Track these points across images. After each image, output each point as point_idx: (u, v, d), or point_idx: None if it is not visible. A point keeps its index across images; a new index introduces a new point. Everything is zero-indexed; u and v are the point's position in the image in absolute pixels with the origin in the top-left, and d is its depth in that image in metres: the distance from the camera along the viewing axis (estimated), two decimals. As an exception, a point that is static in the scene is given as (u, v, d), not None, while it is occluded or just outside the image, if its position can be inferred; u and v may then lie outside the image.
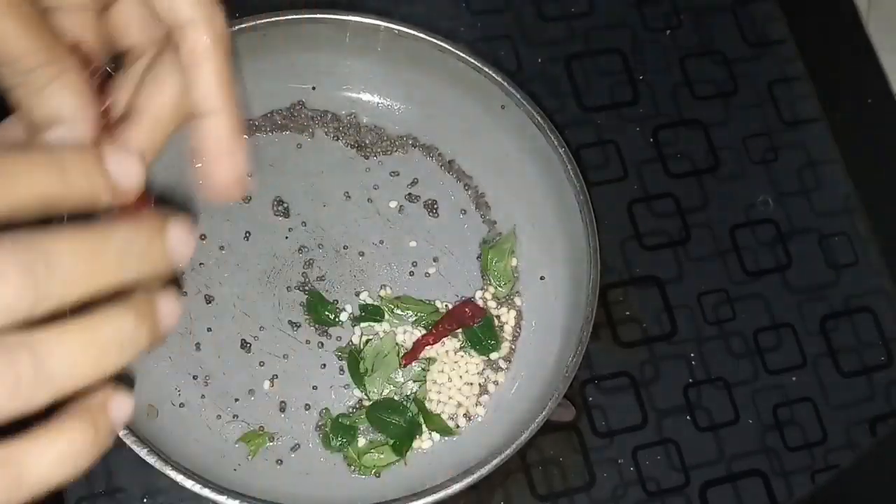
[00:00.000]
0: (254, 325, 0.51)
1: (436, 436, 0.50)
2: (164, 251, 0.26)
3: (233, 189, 0.30)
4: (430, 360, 0.51)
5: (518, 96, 0.51)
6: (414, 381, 0.50)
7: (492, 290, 0.53)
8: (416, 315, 0.51)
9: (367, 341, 0.51)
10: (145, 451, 0.43)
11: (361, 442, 0.49)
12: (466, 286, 0.53)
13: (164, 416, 0.48)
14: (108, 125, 0.30)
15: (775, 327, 0.57)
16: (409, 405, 0.50)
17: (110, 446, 0.25)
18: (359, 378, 0.50)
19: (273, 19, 0.50)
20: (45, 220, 0.24)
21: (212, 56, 0.29)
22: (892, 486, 0.53)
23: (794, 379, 0.56)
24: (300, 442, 0.49)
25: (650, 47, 0.62)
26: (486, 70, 0.51)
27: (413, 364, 0.50)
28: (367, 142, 0.55)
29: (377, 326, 0.51)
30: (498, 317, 0.52)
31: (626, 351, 0.55)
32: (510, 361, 0.52)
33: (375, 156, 0.55)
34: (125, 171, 0.26)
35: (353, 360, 0.50)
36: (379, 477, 0.49)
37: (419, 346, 0.50)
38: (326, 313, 0.51)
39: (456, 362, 0.51)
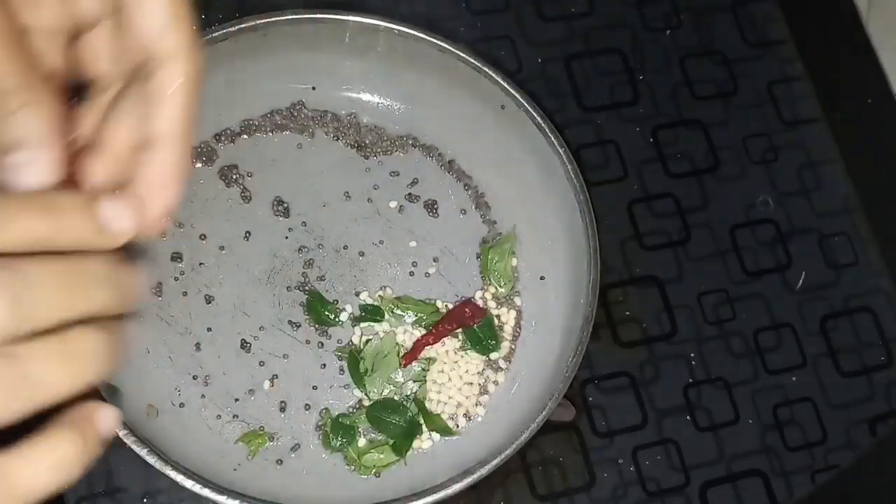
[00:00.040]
0: (254, 325, 0.51)
1: (436, 436, 0.50)
2: (129, 285, 0.27)
3: (155, 224, 0.30)
4: (430, 360, 0.51)
5: (518, 96, 0.51)
6: (414, 381, 0.50)
7: (492, 290, 0.53)
8: (416, 315, 0.51)
9: (367, 341, 0.51)
10: (145, 450, 0.43)
11: (361, 442, 0.49)
12: (466, 286, 0.53)
13: (164, 416, 0.48)
14: (74, 155, 0.30)
15: (775, 327, 0.57)
16: (409, 405, 0.50)
17: (98, 456, 0.26)
18: (359, 378, 0.50)
19: (273, 19, 0.50)
20: None
21: (182, 92, 0.29)
22: (892, 486, 0.53)
23: (794, 379, 0.56)
24: (300, 442, 0.49)
25: (650, 47, 0.62)
26: (486, 70, 0.51)
27: (413, 364, 0.50)
28: (368, 142, 0.55)
29: (377, 326, 0.51)
30: (498, 317, 0.52)
31: (626, 351, 0.55)
32: (510, 361, 0.52)
33: (375, 156, 0.55)
34: (118, 219, 0.27)
35: (353, 360, 0.50)
36: (379, 477, 0.49)
37: (419, 346, 0.50)
38: (326, 313, 0.51)
39: (456, 362, 0.51)
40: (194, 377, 0.49)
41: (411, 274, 0.53)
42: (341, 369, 0.50)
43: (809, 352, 0.57)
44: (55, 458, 0.25)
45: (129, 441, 0.43)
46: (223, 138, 0.54)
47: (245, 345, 0.50)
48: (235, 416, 0.49)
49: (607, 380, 0.54)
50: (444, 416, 0.50)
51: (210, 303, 0.51)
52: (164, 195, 0.30)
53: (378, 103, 0.55)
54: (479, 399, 0.51)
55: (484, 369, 0.51)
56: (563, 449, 0.53)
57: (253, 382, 0.50)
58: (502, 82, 0.51)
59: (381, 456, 0.49)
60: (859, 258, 0.59)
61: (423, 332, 0.51)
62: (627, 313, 0.56)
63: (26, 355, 0.24)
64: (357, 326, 0.51)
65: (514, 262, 0.53)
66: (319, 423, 0.49)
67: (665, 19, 0.63)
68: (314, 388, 0.50)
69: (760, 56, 0.63)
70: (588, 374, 0.54)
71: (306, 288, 0.52)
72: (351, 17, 0.51)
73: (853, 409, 0.56)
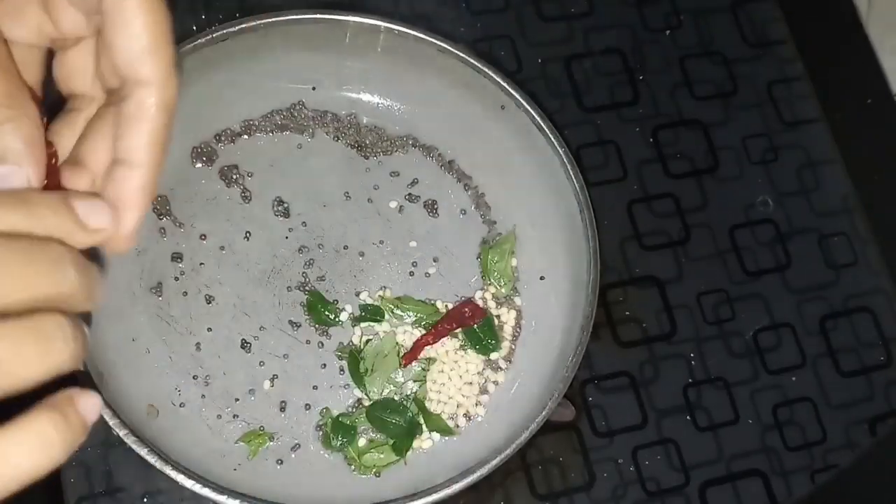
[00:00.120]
0: (254, 325, 0.51)
1: (436, 435, 0.50)
2: (93, 278, 0.27)
3: (119, 242, 0.30)
4: (430, 360, 0.51)
5: (518, 96, 0.51)
6: (414, 381, 0.51)
7: (492, 290, 0.53)
8: (416, 315, 0.51)
9: (368, 341, 0.51)
10: (145, 450, 0.43)
11: (361, 441, 0.49)
12: (466, 286, 0.53)
13: (164, 415, 0.48)
14: (54, 170, 0.30)
15: (775, 327, 0.57)
16: (409, 405, 0.50)
17: (83, 442, 0.26)
18: (359, 378, 0.50)
19: (273, 20, 0.50)
20: None
21: (154, 117, 0.30)
22: (891, 486, 0.53)
23: (793, 379, 0.56)
24: (300, 442, 0.49)
25: (650, 47, 0.62)
26: (486, 70, 0.51)
27: (413, 364, 0.51)
28: (368, 142, 0.55)
29: (377, 326, 0.51)
30: (498, 317, 0.52)
31: (625, 351, 0.55)
32: (510, 361, 0.52)
33: (375, 156, 0.55)
34: (94, 215, 0.28)
35: (354, 360, 0.50)
36: (379, 476, 0.49)
37: (419, 346, 0.50)
38: (326, 313, 0.51)
39: (456, 362, 0.51)
40: (194, 377, 0.49)
41: (411, 274, 0.53)
42: (341, 369, 0.51)
43: (809, 352, 0.57)
44: (36, 439, 0.25)
45: (130, 441, 0.43)
46: (223, 138, 0.54)
47: (245, 345, 0.50)
48: (236, 415, 0.49)
49: (607, 380, 0.54)
50: (444, 416, 0.50)
51: (210, 303, 0.51)
52: (131, 216, 0.30)
53: (378, 103, 0.55)
54: (479, 399, 0.51)
55: (484, 369, 0.51)
56: (563, 449, 0.53)
57: (253, 382, 0.50)
58: (502, 82, 0.51)
59: (382, 456, 0.49)
60: (859, 258, 0.59)
61: (423, 332, 0.51)
62: (627, 313, 0.56)
63: None
64: (357, 326, 0.51)
65: (514, 262, 0.53)
66: (319, 423, 0.49)
67: (665, 19, 0.63)
68: (314, 387, 0.50)
69: (760, 56, 0.63)
70: (588, 373, 0.54)
71: (306, 288, 0.52)
72: (351, 18, 0.51)
73: (853, 409, 0.56)
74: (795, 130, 0.62)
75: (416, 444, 0.49)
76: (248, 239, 0.52)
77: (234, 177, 0.53)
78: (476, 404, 0.51)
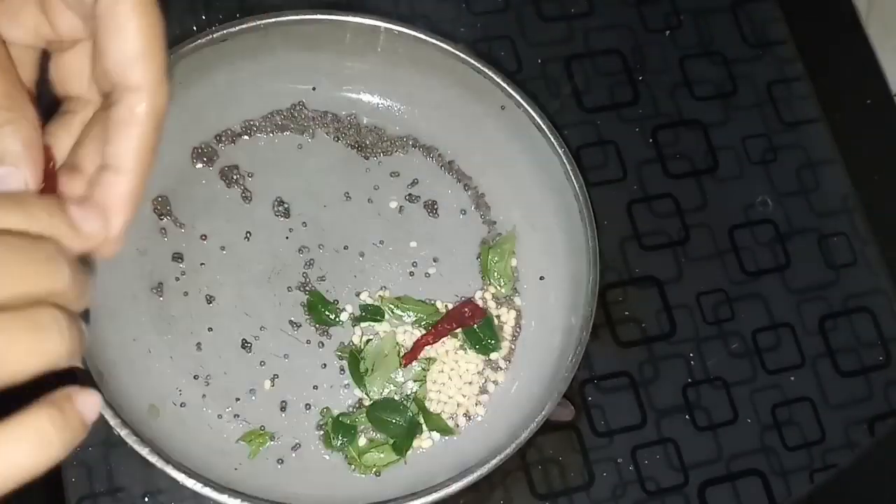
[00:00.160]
0: (255, 325, 0.51)
1: (436, 435, 0.50)
2: (84, 278, 0.27)
3: (106, 246, 0.30)
4: (430, 360, 0.51)
5: (518, 97, 0.51)
6: (414, 381, 0.51)
7: (492, 290, 0.53)
8: (416, 315, 0.52)
9: (368, 341, 0.51)
10: (146, 450, 0.43)
11: (362, 441, 0.49)
12: (466, 286, 0.53)
13: (165, 415, 0.48)
14: (51, 174, 0.30)
15: (774, 327, 0.57)
16: (409, 405, 0.50)
17: (82, 440, 0.26)
18: (359, 378, 0.50)
19: (274, 20, 0.51)
20: None
21: (142, 123, 0.30)
22: (890, 486, 0.53)
23: (792, 379, 0.56)
24: (301, 441, 0.49)
25: (650, 48, 0.62)
26: (486, 71, 0.51)
27: (413, 364, 0.51)
28: (368, 142, 0.55)
29: (377, 326, 0.51)
30: (498, 317, 0.52)
31: (625, 351, 0.55)
32: (510, 361, 0.52)
33: (375, 156, 0.55)
34: (87, 220, 0.28)
35: (354, 360, 0.50)
36: (379, 476, 0.49)
37: (419, 345, 0.50)
38: (327, 313, 0.51)
39: (456, 362, 0.51)
40: (195, 377, 0.49)
41: (411, 274, 0.53)
42: (342, 369, 0.51)
43: (808, 352, 0.57)
44: (34, 435, 0.25)
45: (131, 440, 0.43)
46: (224, 139, 0.54)
47: (246, 345, 0.50)
48: (236, 415, 0.49)
49: (606, 379, 0.54)
50: (444, 416, 0.50)
51: (211, 303, 0.51)
52: (115, 221, 0.30)
53: (378, 104, 0.55)
54: (478, 399, 0.51)
55: (484, 369, 0.51)
56: (563, 448, 0.53)
57: (254, 382, 0.50)
58: (502, 83, 0.52)
59: (382, 455, 0.49)
60: (858, 258, 0.59)
61: (423, 332, 0.51)
62: (627, 313, 0.56)
63: None
64: (357, 326, 0.51)
65: (514, 262, 0.53)
66: (320, 423, 0.50)
67: (665, 20, 0.63)
68: (315, 387, 0.50)
69: (760, 56, 0.63)
70: (587, 373, 0.54)
71: (307, 288, 0.52)
72: (351, 18, 0.51)
73: (852, 409, 0.56)
74: (795, 130, 0.62)
75: (416, 443, 0.49)
76: (248, 239, 0.52)
77: (235, 177, 0.53)
78: (476, 404, 0.51)
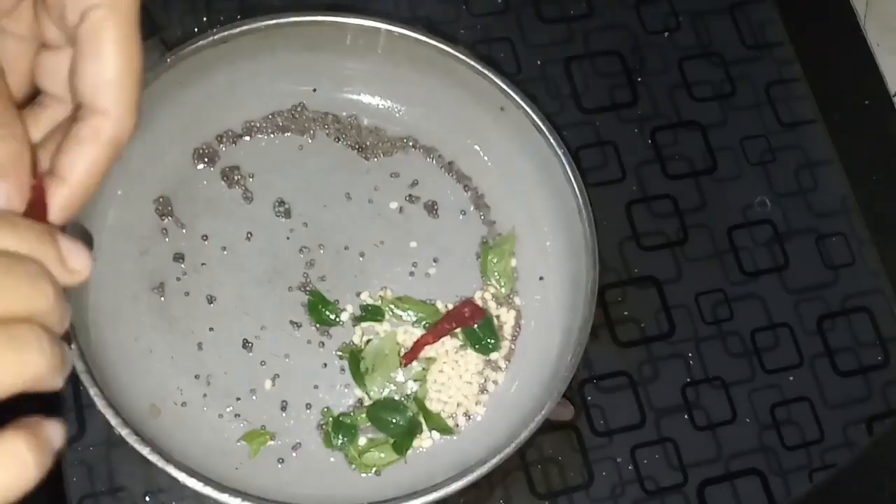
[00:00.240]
0: (255, 325, 0.51)
1: (436, 435, 0.50)
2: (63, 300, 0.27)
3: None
4: (431, 360, 0.51)
5: (517, 98, 0.52)
6: (414, 381, 0.51)
7: (492, 290, 0.53)
8: (416, 315, 0.52)
9: (368, 341, 0.51)
10: (147, 449, 0.43)
11: (362, 441, 0.49)
12: (466, 286, 0.53)
13: (166, 415, 0.48)
14: (40, 192, 0.30)
15: (773, 327, 0.57)
16: (409, 404, 0.50)
17: (48, 468, 0.25)
18: (359, 377, 0.50)
19: (274, 21, 0.51)
20: None
21: (100, 146, 0.30)
22: (889, 485, 0.53)
23: (791, 378, 0.56)
24: (301, 441, 0.49)
25: (649, 49, 0.62)
26: (486, 72, 0.52)
27: (413, 364, 0.51)
28: (368, 143, 0.55)
29: (378, 326, 0.52)
30: (497, 317, 0.53)
31: (624, 350, 0.55)
32: (509, 361, 0.52)
33: (376, 157, 0.55)
34: (74, 254, 0.28)
35: (354, 360, 0.50)
36: (379, 475, 0.49)
37: (419, 345, 0.51)
38: (327, 313, 0.51)
39: (456, 362, 0.51)
40: (196, 376, 0.49)
41: (411, 274, 0.53)
42: (342, 369, 0.51)
43: (807, 351, 0.57)
44: (13, 458, 0.24)
45: (132, 440, 0.43)
46: (225, 140, 0.54)
47: (247, 344, 0.51)
48: (237, 415, 0.49)
49: (606, 379, 0.55)
50: (444, 416, 0.50)
51: (212, 303, 0.51)
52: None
53: (378, 105, 0.55)
54: (478, 398, 0.51)
55: (483, 369, 0.52)
56: (562, 448, 0.53)
57: (254, 382, 0.50)
58: (502, 84, 0.52)
59: (382, 455, 0.49)
60: (856, 258, 0.60)
61: (424, 332, 0.51)
62: (626, 313, 0.56)
63: None
64: (358, 326, 0.51)
65: (514, 262, 0.54)
66: (320, 423, 0.50)
67: (664, 21, 0.63)
68: (315, 387, 0.50)
69: (758, 58, 0.63)
70: (587, 373, 0.54)
71: (307, 288, 0.52)
72: (351, 20, 0.52)
73: (850, 409, 0.56)
74: (793, 131, 0.62)
75: (416, 443, 0.50)
76: (249, 239, 0.52)
77: (236, 178, 0.53)
78: (476, 404, 0.51)
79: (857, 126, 0.62)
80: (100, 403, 0.43)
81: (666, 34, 0.63)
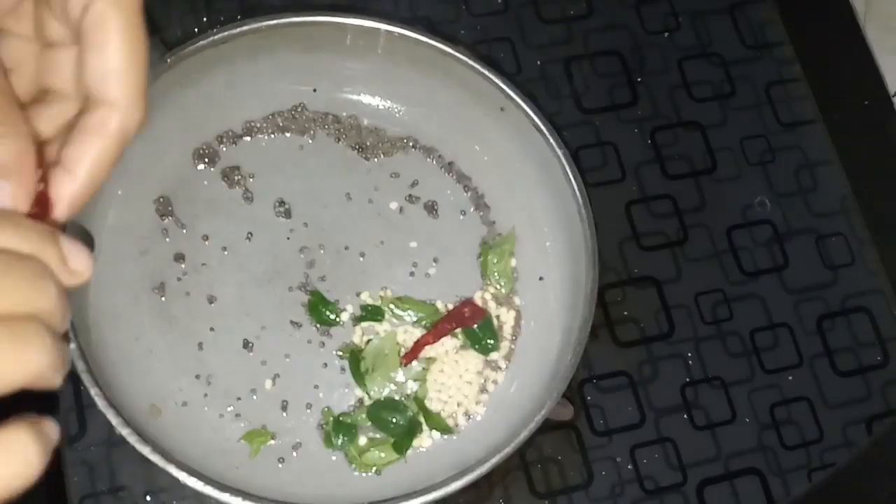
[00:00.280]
0: (256, 325, 0.51)
1: (436, 434, 0.50)
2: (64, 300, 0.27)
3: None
4: (431, 360, 0.51)
5: (517, 98, 0.52)
6: (414, 381, 0.51)
7: (491, 290, 0.53)
8: (416, 315, 0.52)
9: (368, 341, 0.51)
10: (148, 449, 0.43)
11: (362, 440, 0.50)
12: (466, 286, 0.53)
13: (166, 415, 0.48)
14: (44, 191, 0.31)
15: (772, 327, 0.57)
16: (409, 404, 0.50)
17: (48, 466, 0.26)
18: (360, 377, 0.50)
19: (275, 22, 0.51)
20: None
21: (108, 137, 0.29)
22: (888, 485, 0.53)
23: (790, 378, 0.56)
24: (302, 440, 0.49)
25: (649, 49, 0.62)
26: (486, 72, 0.52)
27: (413, 363, 0.51)
28: (368, 143, 0.55)
29: (378, 326, 0.52)
30: (497, 317, 0.53)
31: (624, 350, 0.55)
32: (509, 361, 0.52)
33: (376, 157, 0.55)
34: (76, 255, 0.28)
35: (354, 360, 0.51)
36: (380, 475, 0.49)
37: (419, 345, 0.51)
38: (328, 313, 0.51)
39: (456, 362, 0.51)
40: (197, 376, 0.50)
41: (412, 274, 0.53)
42: (342, 369, 0.51)
43: (806, 351, 0.57)
44: (21, 447, 0.25)
45: (132, 439, 0.43)
46: (225, 140, 0.54)
47: (247, 344, 0.51)
48: (238, 415, 0.49)
49: (605, 379, 0.55)
50: (444, 415, 0.51)
51: (212, 303, 0.51)
52: (56, 216, 0.29)
53: (379, 105, 0.56)
54: (478, 398, 0.51)
55: (483, 369, 0.52)
56: (562, 447, 0.53)
57: (255, 382, 0.50)
58: (502, 84, 0.52)
59: (382, 454, 0.49)
60: (856, 259, 0.60)
61: (424, 332, 0.51)
62: (625, 313, 0.56)
63: None
64: (358, 326, 0.52)
65: (514, 262, 0.54)
66: (321, 422, 0.50)
67: (663, 21, 0.63)
68: (315, 387, 0.50)
69: (758, 58, 0.63)
70: (586, 373, 0.55)
71: (308, 288, 0.52)
72: (351, 20, 0.52)
73: (849, 409, 0.56)
74: (793, 131, 0.62)
75: (416, 442, 0.50)
76: (249, 239, 0.53)
77: (236, 178, 0.53)
78: (476, 404, 0.51)
79: (857, 126, 0.62)
80: (100, 403, 0.43)
81: (666, 34, 0.63)
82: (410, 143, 0.55)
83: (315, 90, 0.55)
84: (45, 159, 0.31)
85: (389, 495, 0.45)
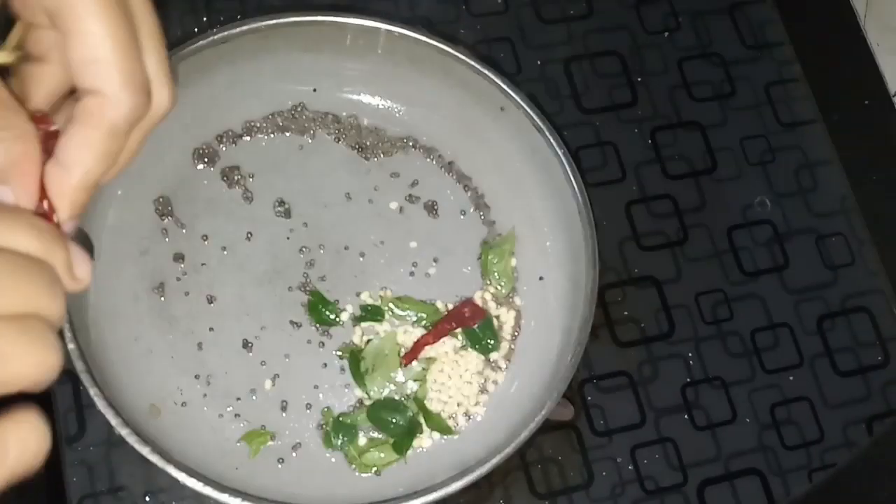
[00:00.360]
0: (255, 325, 0.51)
1: (436, 435, 0.50)
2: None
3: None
4: (431, 360, 0.51)
5: (517, 98, 0.52)
6: (414, 381, 0.51)
7: (491, 290, 0.53)
8: (416, 315, 0.52)
9: (368, 341, 0.51)
10: (147, 449, 0.43)
11: (362, 441, 0.49)
12: (466, 286, 0.53)
13: (166, 415, 0.48)
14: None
15: (772, 327, 0.57)
16: (409, 404, 0.50)
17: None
18: (359, 377, 0.50)
19: (275, 21, 0.51)
20: None
21: (94, 127, 0.29)
22: (888, 485, 0.53)
23: (791, 378, 0.56)
24: (301, 441, 0.49)
25: (648, 49, 0.62)
26: (486, 72, 0.52)
27: (413, 363, 0.51)
28: (368, 143, 0.55)
29: (378, 326, 0.52)
30: (497, 317, 0.53)
31: (624, 350, 0.55)
32: (509, 361, 0.52)
33: (376, 157, 0.55)
34: (80, 262, 0.28)
35: (354, 360, 0.51)
36: (379, 475, 0.49)
37: (419, 345, 0.51)
38: (327, 313, 0.51)
39: (456, 362, 0.51)
40: (196, 377, 0.49)
41: (412, 274, 0.53)
42: (342, 369, 0.51)
43: (806, 351, 0.57)
44: (35, 424, 0.25)
45: (132, 440, 0.43)
46: (225, 140, 0.54)
47: (247, 344, 0.51)
48: (237, 415, 0.49)
49: (606, 379, 0.55)
50: (444, 416, 0.50)
51: (212, 303, 0.51)
52: (66, 209, 0.29)
53: (379, 105, 0.56)
54: (478, 398, 0.51)
55: (483, 369, 0.52)
56: (562, 448, 0.53)
57: (254, 382, 0.50)
58: (502, 84, 0.52)
59: (382, 455, 0.49)
60: (856, 259, 0.60)
61: (424, 332, 0.51)
62: (626, 313, 0.56)
63: None
64: (358, 326, 0.51)
65: (514, 262, 0.54)
66: (320, 423, 0.50)
67: (663, 21, 0.63)
68: (315, 387, 0.50)
69: (758, 58, 0.63)
70: (587, 373, 0.55)
71: (307, 288, 0.52)
72: (352, 20, 0.52)
73: (850, 409, 0.56)
74: (793, 131, 0.62)
75: (416, 443, 0.50)
76: (249, 239, 0.52)
77: (236, 178, 0.53)
78: (476, 404, 0.51)
79: (857, 126, 0.62)
80: (100, 403, 0.43)
81: (666, 34, 0.63)
82: (410, 143, 0.55)
83: (315, 90, 0.55)
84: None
85: (389, 496, 0.45)
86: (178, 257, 0.51)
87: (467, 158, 0.55)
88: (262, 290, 0.52)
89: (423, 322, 0.52)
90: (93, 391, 0.44)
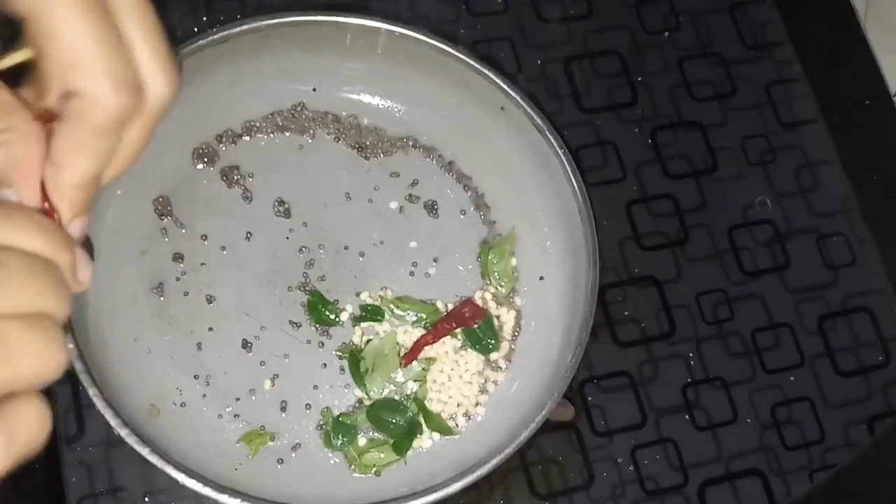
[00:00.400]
0: (255, 325, 0.51)
1: (436, 435, 0.50)
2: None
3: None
4: (431, 360, 0.51)
5: (518, 98, 0.52)
6: (414, 381, 0.51)
7: (492, 290, 0.53)
8: (416, 315, 0.52)
9: (368, 341, 0.51)
10: (147, 450, 0.43)
11: (362, 441, 0.49)
12: (466, 286, 0.53)
13: (165, 415, 0.48)
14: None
15: (773, 327, 0.57)
16: (409, 405, 0.50)
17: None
18: (359, 377, 0.50)
19: (275, 21, 0.51)
20: None
21: (83, 125, 0.28)
22: (889, 485, 0.53)
23: (791, 378, 0.56)
24: (301, 441, 0.49)
25: (649, 49, 0.62)
26: (486, 72, 0.52)
27: (413, 364, 0.51)
28: (368, 143, 0.55)
29: (377, 326, 0.51)
30: (497, 317, 0.52)
31: (624, 351, 0.55)
32: (510, 361, 0.52)
33: (376, 157, 0.55)
34: (83, 264, 0.29)
35: (354, 360, 0.50)
36: (379, 476, 0.49)
37: (419, 345, 0.51)
38: (327, 313, 0.51)
39: (456, 362, 0.51)
40: (196, 377, 0.49)
41: (411, 274, 0.53)
42: (342, 369, 0.51)
43: (807, 352, 0.57)
44: (38, 406, 0.25)
45: (131, 440, 0.43)
46: (225, 139, 0.54)
47: (246, 345, 0.50)
48: (237, 415, 0.49)
49: (606, 379, 0.55)
50: (444, 416, 0.50)
51: (211, 303, 0.51)
52: (61, 213, 0.30)
53: (378, 105, 0.55)
54: (478, 399, 0.51)
55: (484, 369, 0.52)
56: (563, 448, 0.53)
57: (254, 382, 0.50)
58: (502, 84, 0.52)
59: (382, 455, 0.49)
60: (857, 258, 0.60)
61: (424, 332, 0.51)
62: (626, 313, 0.56)
63: (3, 329, 0.25)
64: (357, 326, 0.51)
65: (514, 262, 0.54)
66: (320, 423, 0.50)
67: (664, 21, 0.63)
68: (315, 387, 0.50)
69: (758, 58, 0.63)
70: (587, 373, 0.54)
71: (307, 288, 0.52)
72: (351, 20, 0.52)
73: (851, 409, 0.56)
74: (793, 131, 0.62)
75: (416, 443, 0.50)
76: (249, 239, 0.52)
77: (236, 177, 0.53)
78: (476, 404, 0.51)
79: (857, 126, 0.62)
80: (99, 404, 0.43)
81: (666, 34, 0.63)
82: (410, 143, 0.55)
83: (315, 90, 0.55)
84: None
85: (389, 496, 0.45)
86: (178, 257, 0.51)
87: (467, 158, 0.55)
88: (261, 289, 0.51)
89: (423, 322, 0.52)
90: (92, 391, 0.43)
